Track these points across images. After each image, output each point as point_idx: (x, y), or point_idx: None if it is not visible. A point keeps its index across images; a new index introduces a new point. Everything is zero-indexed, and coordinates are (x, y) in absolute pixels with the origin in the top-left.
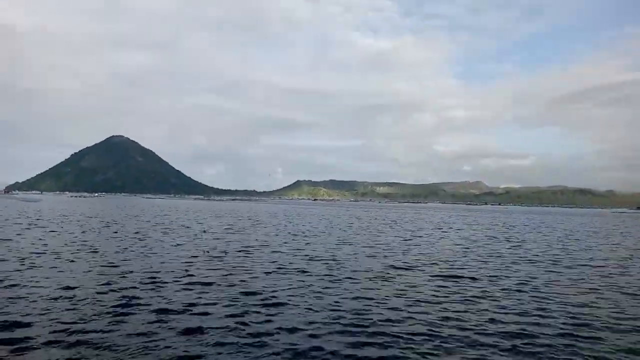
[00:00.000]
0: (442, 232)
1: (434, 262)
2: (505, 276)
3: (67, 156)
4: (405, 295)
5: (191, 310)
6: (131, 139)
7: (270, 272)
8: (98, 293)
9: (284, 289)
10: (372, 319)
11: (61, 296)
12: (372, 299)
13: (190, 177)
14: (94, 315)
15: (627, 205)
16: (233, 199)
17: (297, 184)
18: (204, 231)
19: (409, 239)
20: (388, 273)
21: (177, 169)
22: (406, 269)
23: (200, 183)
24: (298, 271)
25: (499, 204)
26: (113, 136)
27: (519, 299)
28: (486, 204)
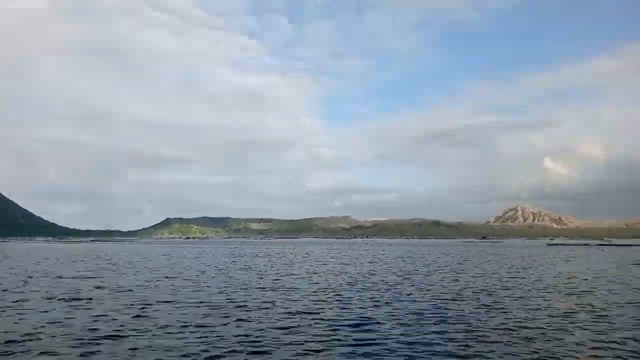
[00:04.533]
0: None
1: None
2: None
3: None
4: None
5: None
6: None
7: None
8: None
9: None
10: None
11: None
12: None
13: (40, 217)
14: None
15: (473, 235)
16: (92, 241)
17: (167, 222)
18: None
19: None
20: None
21: (25, 208)
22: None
23: (54, 223)
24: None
25: (367, 237)
26: None
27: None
28: (355, 237)
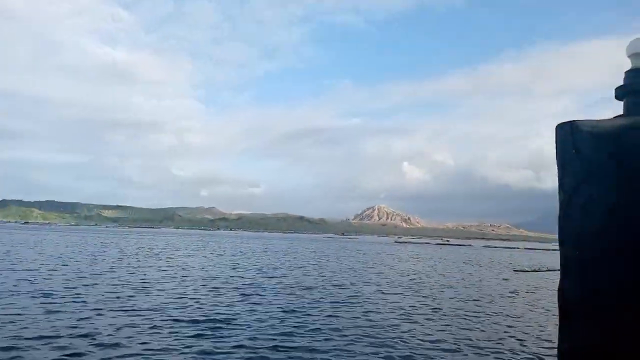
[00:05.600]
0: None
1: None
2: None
3: None
4: None
5: None
6: None
7: None
8: None
9: None
10: None
11: None
12: None
13: None
14: None
15: (334, 231)
16: None
17: (4, 204)
18: None
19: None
20: None
21: None
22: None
23: None
24: None
25: (231, 229)
26: None
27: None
28: (219, 229)
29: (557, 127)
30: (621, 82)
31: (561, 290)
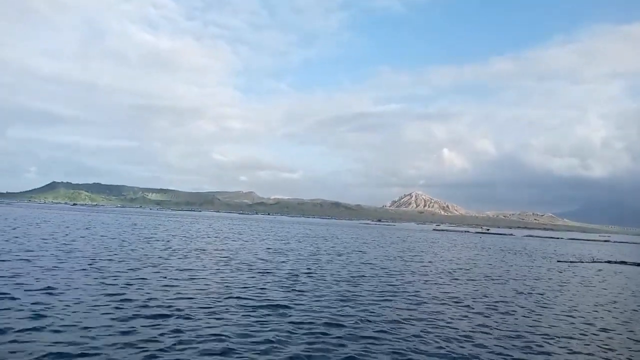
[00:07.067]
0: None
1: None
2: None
3: None
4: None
5: None
6: None
7: None
8: None
9: None
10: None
11: None
12: None
13: None
14: None
15: (370, 217)
16: None
17: (53, 186)
18: None
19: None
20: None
21: None
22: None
23: None
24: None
25: (269, 214)
26: None
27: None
28: (257, 213)
29: None
30: None
31: None
